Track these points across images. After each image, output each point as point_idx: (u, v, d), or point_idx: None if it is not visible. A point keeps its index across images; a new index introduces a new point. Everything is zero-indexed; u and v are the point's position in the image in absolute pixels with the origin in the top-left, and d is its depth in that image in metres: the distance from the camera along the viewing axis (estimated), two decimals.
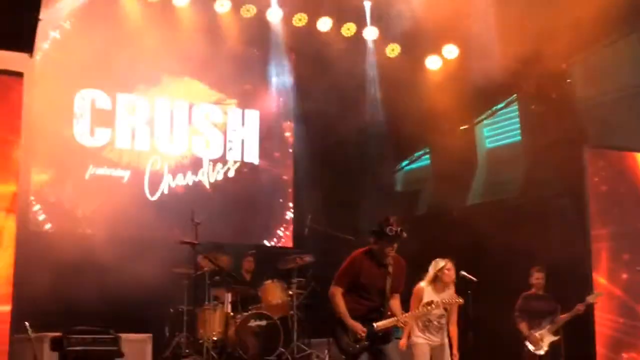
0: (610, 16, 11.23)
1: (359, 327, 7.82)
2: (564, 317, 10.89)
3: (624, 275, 12.10)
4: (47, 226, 12.81)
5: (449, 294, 9.09)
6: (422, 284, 9.18)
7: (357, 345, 7.86)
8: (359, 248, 8.25)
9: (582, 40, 12.01)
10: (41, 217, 12.77)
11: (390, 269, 8.01)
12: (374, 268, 7.99)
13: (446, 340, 9.16)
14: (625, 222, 12.25)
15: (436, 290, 9.13)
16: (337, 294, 7.96)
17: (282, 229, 14.80)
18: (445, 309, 9.03)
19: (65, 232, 12.76)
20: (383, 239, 7.91)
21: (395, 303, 8.10)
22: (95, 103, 13.32)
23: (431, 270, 9.24)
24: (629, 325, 11.98)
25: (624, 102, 12.68)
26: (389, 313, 8.06)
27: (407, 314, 8.26)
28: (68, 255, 11.55)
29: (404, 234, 7.91)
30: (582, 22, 11.30)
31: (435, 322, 9.09)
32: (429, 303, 8.78)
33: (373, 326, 7.89)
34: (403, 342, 9.07)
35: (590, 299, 10.93)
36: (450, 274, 9.16)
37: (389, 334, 8.03)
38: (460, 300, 8.90)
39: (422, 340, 9.09)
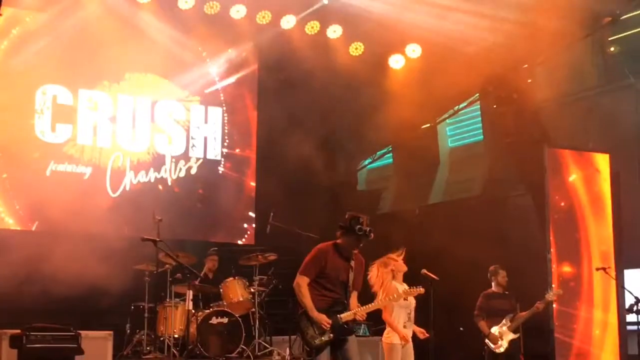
0: (570, 19, 11.36)
1: (323, 319, 7.85)
2: (523, 315, 10.98)
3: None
4: (7, 223, 12.70)
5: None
6: (406, 295, 9.19)
7: (322, 338, 7.88)
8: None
9: (543, 42, 12.13)
10: (1, 214, 12.66)
11: (353, 263, 8.06)
12: (339, 261, 8.03)
13: None
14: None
15: (400, 282, 9.21)
16: (303, 285, 7.96)
17: (244, 226, 14.79)
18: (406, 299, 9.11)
19: (25, 228, 12.67)
20: (350, 235, 7.96)
21: (353, 300, 8.14)
22: (57, 99, 13.22)
23: (388, 268, 9.30)
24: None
25: (584, 104, 12.84)
26: (352, 306, 8.09)
27: (368, 305, 8.26)
28: (28, 252, 11.47)
29: (372, 235, 7.94)
30: (543, 25, 11.43)
31: (412, 313, 9.17)
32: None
33: (339, 317, 7.92)
34: (402, 334, 9.06)
35: (549, 296, 11.03)
36: (400, 262, 9.19)
37: (353, 326, 8.08)
38: (422, 290, 8.94)
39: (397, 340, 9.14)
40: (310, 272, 8.01)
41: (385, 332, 9.23)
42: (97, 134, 13.57)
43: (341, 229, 8.07)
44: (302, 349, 8.85)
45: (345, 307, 8.02)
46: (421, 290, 8.83)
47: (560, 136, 12.80)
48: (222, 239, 14.38)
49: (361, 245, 8.06)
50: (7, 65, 12.52)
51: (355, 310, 8.00)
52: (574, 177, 12.66)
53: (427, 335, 9.15)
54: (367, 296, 8.59)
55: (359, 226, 7.91)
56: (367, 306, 8.19)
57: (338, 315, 7.94)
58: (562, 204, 12.52)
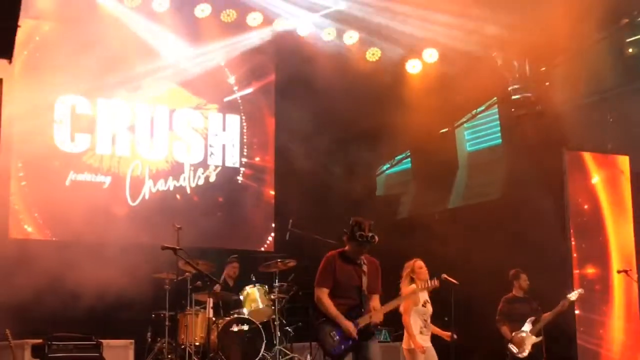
0: (588, 21, 11.31)
1: (351, 327, 7.86)
2: (547, 315, 10.91)
3: None
4: (28, 232, 12.76)
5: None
6: (420, 291, 9.20)
7: (342, 347, 7.88)
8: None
9: (561, 45, 12.09)
10: (22, 224, 12.73)
11: (365, 267, 8.06)
12: (348, 267, 8.05)
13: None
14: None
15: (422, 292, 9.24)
16: (324, 296, 7.98)
17: (263, 233, 14.79)
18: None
19: (46, 238, 12.72)
20: (353, 242, 7.98)
21: (374, 303, 8.13)
22: (76, 108, 13.29)
23: (405, 275, 9.35)
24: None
25: (602, 105, 12.78)
26: (369, 310, 8.07)
27: (383, 306, 8.24)
28: (49, 262, 11.50)
29: (375, 239, 7.94)
30: (560, 27, 11.38)
31: (429, 319, 9.21)
32: (424, 303, 9.06)
33: (356, 323, 7.92)
34: (417, 344, 9.13)
35: (571, 296, 10.96)
36: (423, 270, 9.25)
37: (371, 330, 8.06)
38: (437, 283, 8.96)
39: (422, 343, 9.19)
40: (325, 282, 8.03)
41: (405, 337, 9.25)
42: (115, 143, 13.63)
43: (345, 235, 8.11)
44: (323, 357, 8.84)
45: (362, 312, 8.01)
46: (436, 283, 8.84)
47: (579, 138, 12.73)
48: (242, 246, 14.37)
49: (365, 250, 8.06)
50: (26, 76, 12.58)
51: (371, 313, 7.99)
52: (594, 179, 12.61)
53: (453, 335, 9.16)
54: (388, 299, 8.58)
55: (359, 232, 7.92)
56: (382, 307, 8.18)
57: (355, 321, 7.94)
58: (584, 206, 12.46)
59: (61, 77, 12.93)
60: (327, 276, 8.02)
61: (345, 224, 8.13)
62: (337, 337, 7.89)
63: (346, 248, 8.11)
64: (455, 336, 9.29)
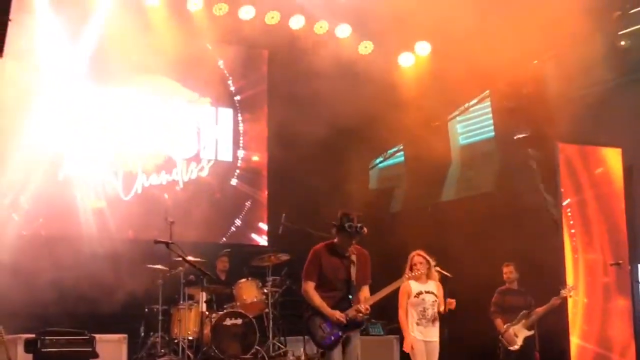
0: (581, 13, 11.30)
1: (337, 313, 7.92)
2: (539, 310, 10.95)
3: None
4: (20, 228, 12.71)
5: (434, 284, 9.23)
6: (406, 280, 9.20)
7: (332, 338, 7.93)
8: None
9: (553, 37, 12.08)
10: (13, 219, 12.68)
11: (354, 258, 8.10)
12: (334, 259, 8.13)
13: (437, 334, 9.22)
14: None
15: (420, 283, 9.22)
16: (310, 289, 8.09)
17: (256, 227, 14.79)
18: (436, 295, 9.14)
19: (37, 233, 12.69)
20: (343, 233, 8.03)
21: (364, 294, 8.18)
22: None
23: (407, 266, 9.33)
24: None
25: (595, 98, 12.78)
26: (358, 302, 8.11)
27: (370, 297, 8.25)
28: (41, 257, 11.49)
29: (365, 230, 8.01)
30: (552, 20, 11.37)
31: (430, 310, 9.15)
32: (418, 294, 9.05)
33: (346, 314, 7.97)
34: (406, 344, 9.15)
35: (564, 292, 10.99)
36: (418, 267, 9.22)
37: (359, 322, 8.11)
38: (448, 274, 9.00)
39: (418, 336, 9.15)
40: (311, 275, 8.15)
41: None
42: (108, 137, 13.58)
43: (334, 227, 8.15)
44: (316, 350, 8.90)
45: (350, 304, 8.09)
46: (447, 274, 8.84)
47: (571, 131, 12.73)
48: (235, 240, 14.39)
49: (354, 241, 8.11)
50: (16, 70, 12.51)
51: (357, 306, 8.03)
52: (587, 172, 12.61)
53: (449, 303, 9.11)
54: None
55: (349, 223, 8.00)
56: (370, 297, 8.20)
57: (344, 312, 7.99)
58: (575, 199, 12.46)
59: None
60: (313, 270, 8.12)
61: (336, 217, 8.16)
62: (328, 328, 7.96)
63: (335, 240, 8.16)
64: (452, 303, 9.18)
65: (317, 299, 8.02)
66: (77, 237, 12.23)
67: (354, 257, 8.12)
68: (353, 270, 8.10)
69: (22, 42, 12.21)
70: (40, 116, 12.92)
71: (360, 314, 8.06)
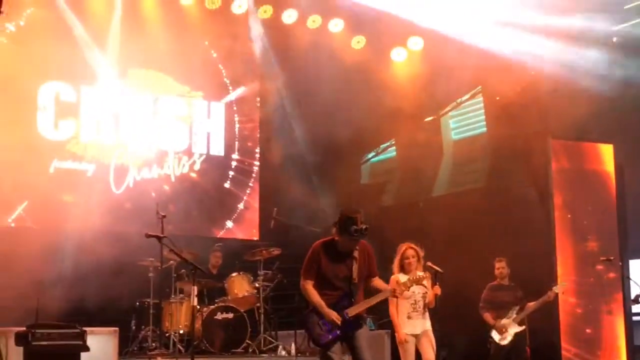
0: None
1: (333, 315, 7.81)
2: (531, 305, 10.94)
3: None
4: (10, 221, 12.68)
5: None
6: (396, 274, 9.18)
7: (330, 336, 7.85)
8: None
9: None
10: (4, 212, 12.64)
11: (356, 254, 7.94)
12: (334, 258, 7.90)
13: (429, 324, 9.21)
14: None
15: (409, 276, 9.19)
16: (308, 287, 7.91)
17: (248, 221, 14.78)
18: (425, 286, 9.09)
19: (28, 226, 12.65)
20: (346, 236, 7.84)
21: (378, 283, 8.10)
22: (60, 96, 13.20)
23: (396, 259, 9.31)
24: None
25: (587, 94, 12.80)
26: (359, 300, 8.03)
27: (369, 299, 8.18)
28: (32, 250, 11.44)
29: (367, 231, 7.83)
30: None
31: (421, 302, 9.14)
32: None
33: (345, 313, 7.87)
34: (400, 337, 9.13)
35: (555, 289, 11.00)
36: (409, 262, 9.19)
37: (360, 320, 8.02)
38: (439, 269, 8.96)
39: (409, 330, 9.14)
40: (308, 274, 7.94)
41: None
42: (100, 131, 13.56)
43: (336, 226, 7.93)
44: (307, 344, 8.81)
45: (352, 302, 7.97)
46: (423, 277, 8.78)
47: (563, 127, 12.76)
48: (226, 234, 14.39)
49: (358, 243, 7.97)
50: (7, 63, 12.48)
51: (356, 306, 7.94)
52: (578, 168, 12.65)
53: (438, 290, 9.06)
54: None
55: (354, 227, 7.70)
56: (364, 302, 8.10)
57: (344, 311, 7.90)
58: (567, 194, 12.50)
59: (44, 64, 12.85)
60: (311, 269, 7.93)
61: (330, 213, 8.08)
62: (325, 326, 7.86)
63: (336, 239, 7.96)
64: (437, 289, 9.14)
65: (315, 297, 7.87)
66: (68, 230, 12.19)
67: (355, 254, 7.91)
68: (354, 267, 7.93)
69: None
70: (32, 108, 12.92)
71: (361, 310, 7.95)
